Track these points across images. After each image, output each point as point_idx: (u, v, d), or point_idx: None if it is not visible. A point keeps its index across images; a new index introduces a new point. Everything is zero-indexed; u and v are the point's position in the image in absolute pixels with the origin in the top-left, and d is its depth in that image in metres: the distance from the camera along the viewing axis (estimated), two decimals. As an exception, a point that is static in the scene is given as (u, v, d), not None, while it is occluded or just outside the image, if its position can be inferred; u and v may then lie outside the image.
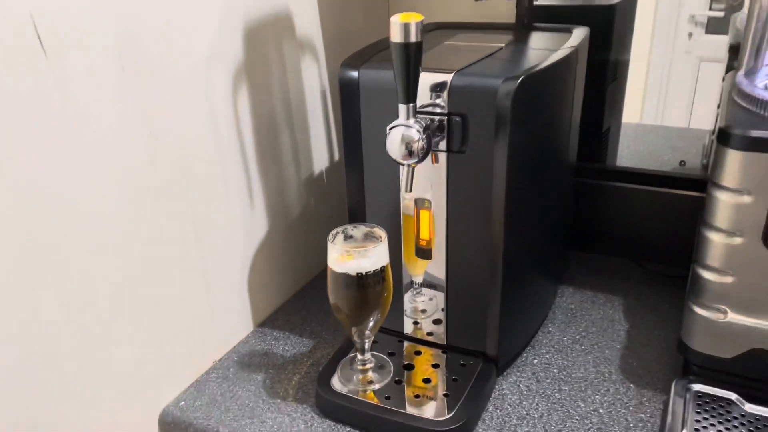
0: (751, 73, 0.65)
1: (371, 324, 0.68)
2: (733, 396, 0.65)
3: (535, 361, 0.76)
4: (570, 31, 0.80)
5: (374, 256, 0.64)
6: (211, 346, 0.77)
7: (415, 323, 0.78)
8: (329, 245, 0.65)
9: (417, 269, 0.75)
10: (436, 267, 0.72)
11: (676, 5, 0.99)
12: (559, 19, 0.90)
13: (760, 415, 0.63)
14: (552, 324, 0.82)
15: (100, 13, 0.56)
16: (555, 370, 0.74)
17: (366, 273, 0.64)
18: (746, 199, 0.59)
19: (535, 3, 0.94)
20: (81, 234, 0.58)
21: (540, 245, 0.78)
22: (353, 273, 0.64)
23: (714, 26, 0.96)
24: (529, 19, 0.93)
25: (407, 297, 0.77)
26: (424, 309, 0.77)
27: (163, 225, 0.67)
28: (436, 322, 0.76)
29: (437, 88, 0.64)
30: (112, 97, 0.59)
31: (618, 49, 1.02)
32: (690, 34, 0.99)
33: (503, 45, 0.74)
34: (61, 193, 0.56)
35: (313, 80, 0.87)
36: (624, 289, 0.89)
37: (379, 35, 1.01)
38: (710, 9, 0.96)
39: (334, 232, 0.67)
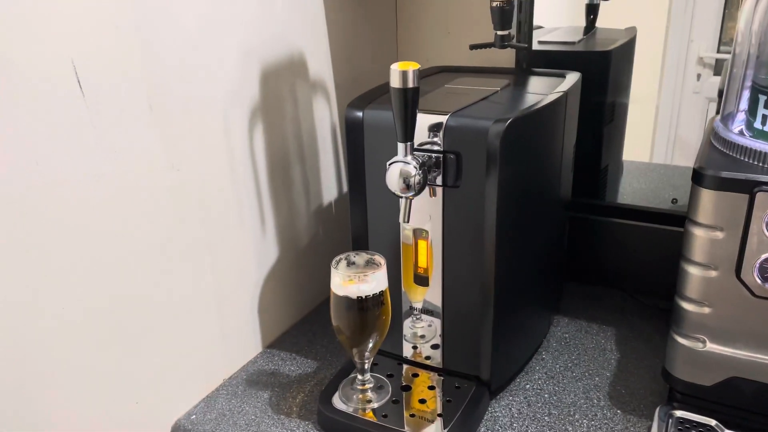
0: (728, 118, 0.70)
1: (371, 345, 0.72)
2: (712, 422, 0.68)
3: (528, 386, 0.79)
4: (563, 76, 0.86)
5: (374, 281, 0.69)
6: (222, 365, 0.82)
7: (414, 347, 0.82)
8: (332, 270, 0.71)
9: (416, 296, 0.80)
10: (434, 294, 0.77)
11: (684, 47, 1.05)
12: (557, 65, 0.95)
13: (739, 442, 0.66)
14: (546, 351, 0.86)
15: (131, 59, 0.63)
16: (546, 395, 0.77)
17: (366, 297, 0.69)
18: (719, 234, 0.63)
19: (534, 49, 1.01)
20: (105, 256, 0.64)
21: (532, 275, 0.82)
22: (354, 296, 0.69)
23: (722, 68, 1.00)
24: (527, 64, 0.99)
25: (407, 323, 0.81)
26: (423, 334, 0.82)
27: (181, 250, 0.73)
28: (434, 346, 0.80)
29: (434, 128, 0.70)
30: (139, 133, 0.65)
31: (614, 92, 1.07)
32: (698, 75, 1.04)
33: (498, 89, 0.80)
34: (89, 218, 0.62)
35: (324, 118, 0.94)
36: (617, 320, 0.92)
37: (387, 77, 1.08)
38: (718, 51, 1.01)
39: (337, 258, 0.72)
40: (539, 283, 0.85)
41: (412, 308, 0.80)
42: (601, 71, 1.05)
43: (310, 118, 0.91)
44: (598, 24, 1.10)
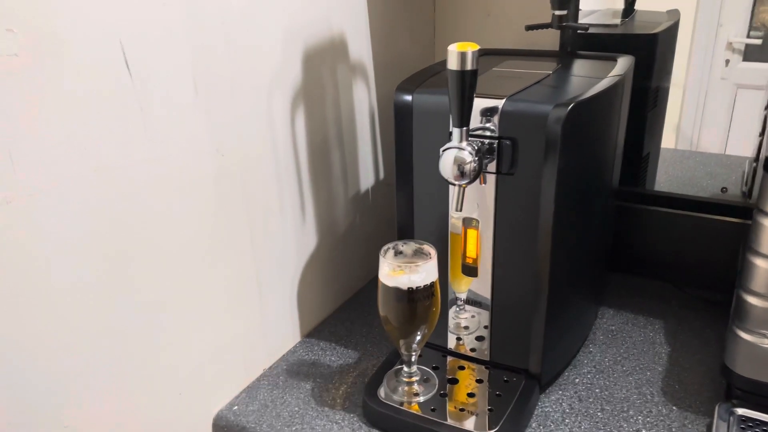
0: (796, 104, 0.67)
1: (419, 338, 0.70)
2: (777, 421, 0.66)
3: (577, 380, 0.77)
4: (614, 59, 0.82)
5: (424, 272, 0.67)
6: (262, 355, 0.81)
7: (458, 339, 0.80)
8: (381, 260, 0.68)
9: (461, 286, 0.77)
10: (481, 285, 0.75)
11: (713, 32, 1.01)
12: (601, 47, 0.92)
13: (805, 442, 0.64)
14: (593, 344, 0.83)
15: (178, 41, 0.61)
16: (597, 390, 0.75)
17: (416, 288, 0.67)
18: (793, 226, 0.60)
19: (579, 32, 0.97)
20: (149, 241, 0.62)
21: (583, 266, 0.80)
22: (404, 287, 0.67)
23: (751, 54, 0.97)
24: (572, 48, 0.96)
25: (451, 313, 0.79)
26: (466, 326, 0.79)
27: (223, 237, 0.71)
28: (479, 338, 0.78)
29: (488, 113, 0.67)
30: (186, 116, 0.63)
31: (659, 77, 1.04)
32: (727, 61, 1.01)
33: (550, 72, 0.77)
34: (134, 201, 0.60)
35: (363, 102, 0.91)
36: (664, 313, 0.90)
37: (425, 59, 1.05)
38: (748, 36, 0.97)
39: (385, 247, 0.70)
40: (589, 273, 0.83)
41: (456, 299, 0.78)
42: (648, 55, 1.01)
43: (350, 102, 0.89)
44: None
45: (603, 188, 0.79)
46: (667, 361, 0.80)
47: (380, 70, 0.94)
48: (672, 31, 1.05)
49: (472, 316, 0.78)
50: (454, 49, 0.60)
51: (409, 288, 0.67)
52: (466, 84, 0.60)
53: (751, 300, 0.65)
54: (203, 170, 0.66)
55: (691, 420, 0.70)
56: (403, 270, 0.67)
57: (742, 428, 0.66)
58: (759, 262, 0.63)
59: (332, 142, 0.86)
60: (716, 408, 0.68)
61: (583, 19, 1.08)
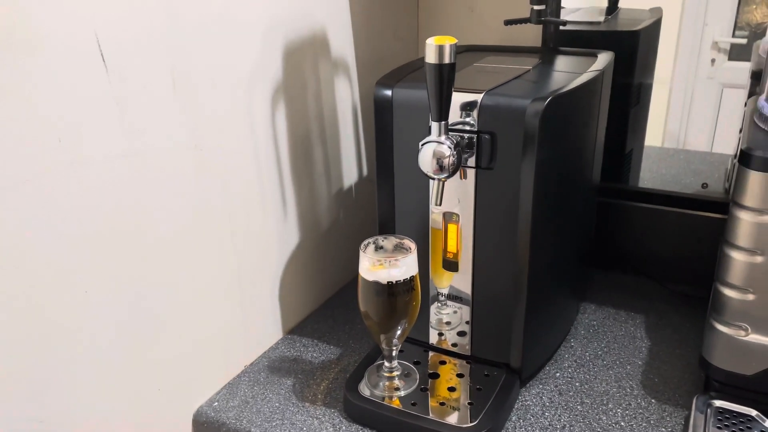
0: (772, 98, 0.68)
1: (399, 332, 0.70)
2: (753, 412, 0.66)
3: (558, 374, 0.77)
4: (595, 56, 0.83)
5: (404, 266, 0.67)
6: (243, 351, 0.80)
7: (440, 334, 0.80)
8: (361, 254, 0.68)
9: (443, 282, 0.77)
10: (462, 280, 0.75)
11: (699, 32, 1.02)
12: (584, 44, 0.92)
13: (781, 432, 0.64)
14: (574, 339, 0.84)
15: (155, 34, 0.60)
16: (577, 384, 0.75)
17: (396, 282, 0.67)
18: (767, 218, 0.60)
19: (561, 28, 0.98)
20: (127, 234, 0.62)
21: (563, 261, 0.80)
22: (384, 282, 0.67)
23: (737, 53, 0.98)
24: (554, 44, 0.96)
25: (432, 309, 0.79)
26: (448, 321, 0.79)
27: (203, 232, 0.70)
28: (461, 333, 0.78)
29: (467, 107, 0.67)
30: (163, 110, 0.63)
31: (641, 74, 1.04)
32: (713, 61, 1.02)
33: (530, 67, 0.77)
34: (112, 195, 0.59)
35: (345, 97, 0.91)
36: (645, 307, 0.90)
37: (408, 55, 1.05)
38: (733, 36, 0.98)
39: (365, 242, 0.70)
40: (570, 268, 0.83)
41: (438, 295, 0.78)
42: (630, 52, 1.02)
43: (332, 97, 0.88)
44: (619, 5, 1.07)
45: (583, 183, 0.80)
46: (647, 354, 0.80)
47: (363, 65, 0.94)
48: (654, 29, 1.06)
49: (454, 312, 0.78)
50: (432, 42, 0.60)
51: (388, 282, 0.67)
52: (444, 77, 0.60)
53: (728, 292, 0.65)
54: (182, 165, 0.66)
55: (669, 412, 0.70)
56: (382, 264, 0.67)
57: (719, 420, 0.66)
58: (735, 254, 0.64)
59: (314, 138, 0.86)
60: (694, 400, 0.69)
61: (567, 16, 1.09)
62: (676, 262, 0.95)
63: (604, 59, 0.80)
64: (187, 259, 0.69)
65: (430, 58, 0.60)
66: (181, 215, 0.67)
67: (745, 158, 0.61)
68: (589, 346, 0.82)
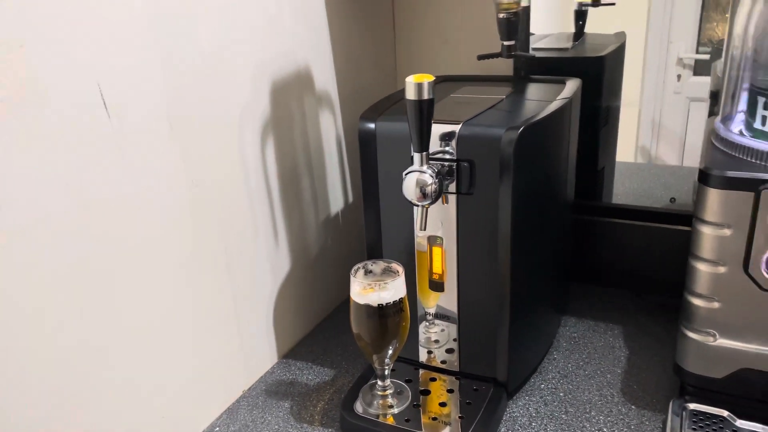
0: (727, 119, 0.73)
1: (390, 352, 0.74)
2: (725, 413, 0.71)
3: (543, 386, 0.81)
4: (563, 83, 0.88)
5: (393, 289, 0.71)
6: (241, 376, 0.83)
7: (429, 352, 0.83)
8: (352, 279, 0.72)
9: (430, 302, 0.81)
10: (448, 300, 0.79)
11: (664, 49, 1.08)
12: (553, 70, 0.98)
13: (750, 431, 0.69)
14: (557, 351, 0.88)
15: (153, 82, 0.64)
16: (561, 394, 0.79)
17: (386, 304, 0.70)
18: (726, 231, 0.65)
19: (531, 56, 1.03)
20: (129, 270, 0.65)
21: (543, 278, 0.84)
22: (374, 304, 0.70)
23: (701, 68, 1.04)
24: (525, 72, 1.02)
25: (421, 328, 0.83)
26: (437, 339, 0.83)
27: (202, 265, 0.74)
28: (449, 351, 0.82)
29: (447, 137, 0.72)
30: (161, 150, 0.66)
31: (608, 96, 1.10)
32: (679, 76, 1.07)
33: (503, 97, 0.82)
34: (116, 232, 0.63)
35: (330, 130, 0.96)
36: (623, 318, 0.95)
37: (387, 87, 1.10)
38: (697, 52, 1.04)
39: (356, 267, 0.74)
40: (550, 284, 0.87)
41: (426, 314, 0.82)
42: (596, 76, 1.07)
43: (317, 130, 0.93)
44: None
45: (558, 203, 0.85)
46: (626, 363, 0.85)
47: (345, 98, 0.98)
48: (618, 53, 1.12)
49: (442, 330, 0.82)
50: (411, 80, 0.64)
51: (379, 305, 0.70)
52: (424, 112, 0.65)
53: (695, 301, 0.70)
54: (180, 202, 0.70)
55: (648, 417, 0.74)
56: (372, 288, 0.71)
57: (694, 421, 0.70)
58: (700, 265, 0.69)
59: (302, 170, 0.90)
60: (670, 404, 0.73)
61: (536, 43, 1.15)
62: (650, 274, 1.00)
63: (572, 87, 0.85)
64: (186, 291, 0.72)
65: (410, 94, 0.64)
66: (180, 248, 0.70)
67: (703, 177, 0.66)
68: (571, 357, 0.86)
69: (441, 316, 0.81)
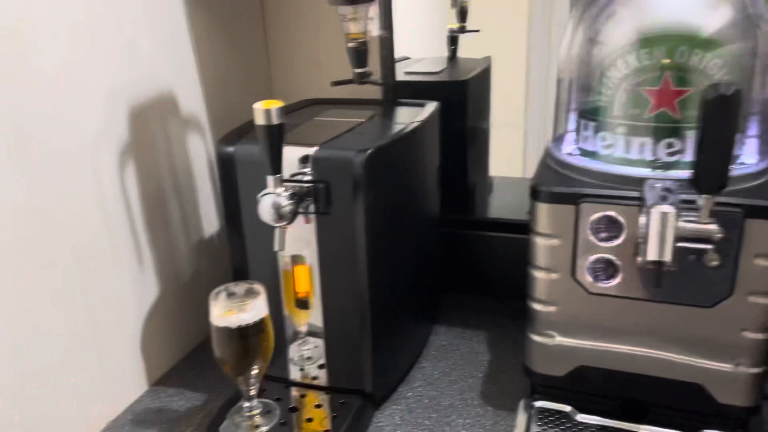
0: (560, 138, 0.80)
1: (255, 372, 0.75)
2: (568, 408, 0.77)
3: (409, 394, 0.85)
4: (423, 106, 0.94)
5: (253, 310, 0.72)
6: (105, 407, 0.81)
7: (302, 369, 0.85)
8: (211, 303, 0.72)
9: (300, 319, 0.83)
10: (316, 316, 0.81)
11: (545, 70, 1.16)
12: (421, 94, 1.03)
13: (590, 423, 0.75)
14: (426, 360, 0.92)
15: (-12, 106, 0.63)
16: (426, 401, 0.83)
17: (246, 325, 0.71)
18: (556, 241, 0.72)
19: (399, 80, 1.08)
20: (-30, 307, 0.62)
21: (408, 290, 0.88)
22: (234, 326, 0.71)
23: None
24: (393, 96, 1.07)
25: (293, 346, 0.85)
26: (310, 356, 0.85)
27: (52, 294, 0.72)
28: (321, 366, 0.84)
29: (304, 160, 0.74)
30: (0, 181, 0.64)
31: (474, 117, 1.17)
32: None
33: (364, 120, 0.86)
34: (-50, 270, 0.60)
35: (200, 153, 0.96)
36: (488, 324, 1.01)
37: (262, 110, 1.12)
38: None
39: (216, 290, 0.74)
40: (416, 296, 0.92)
41: (297, 332, 0.84)
42: (461, 98, 1.14)
43: (185, 153, 0.93)
44: (464, 54, 1.20)
45: (419, 218, 0.89)
46: (487, 367, 0.90)
47: (216, 120, 0.99)
48: (483, 77, 1.20)
49: (315, 347, 0.84)
50: (259, 107, 0.67)
51: (239, 326, 0.71)
52: (274, 137, 0.67)
53: (536, 306, 0.76)
54: (22, 231, 0.67)
55: (503, 417, 0.80)
56: (232, 310, 0.72)
57: (540, 418, 0.76)
58: (537, 273, 0.75)
59: (168, 194, 0.89)
60: (520, 403, 0.79)
61: (411, 67, 1.21)
62: (512, 281, 1.06)
63: (428, 110, 0.91)
64: (35, 321, 0.70)
65: (259, 120, 0.67)
66: (24, 278, 0.68)
67: (534, 193, 0.72)
68: (438, 364, 0.91)
69: (312, 333, 0.83)
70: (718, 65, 0.65)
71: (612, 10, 0.72)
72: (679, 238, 0.61)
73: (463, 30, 1.21)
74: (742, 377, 0.69)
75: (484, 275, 1.10)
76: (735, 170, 0.68)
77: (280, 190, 0.70)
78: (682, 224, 0.60)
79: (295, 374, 0.85)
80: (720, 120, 0.56)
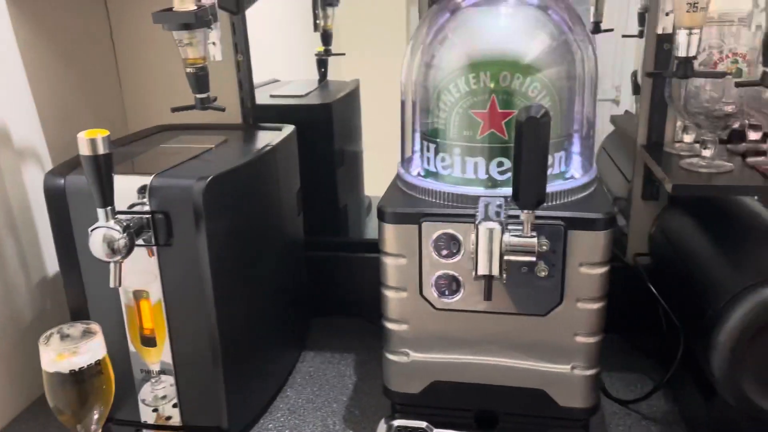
0: (408, 160, 0.82)
1: (96, 417, 0.70)
2: (424, 425, 0.78)
3: (270, 425, 0.83)
4: (280, 129, 0.93)
5: (89, 352, 0.68)
6: None
7: (155, 410, 0.81)
8: (41, 348, 0.67)
9: (150, 357, 0.79)
10: (165, 353, 0.77)
11: None
12: (282, 119, 1.02)
13: (445, 437, 0.77)
14: (291, 388, 0.90)
15: None
16: (287, 431, 0.81)
17: (80, 369, 0.67)
18: (403, 261, 0.73)
19: (259, 103, 1.07)
20: None
21: (268, 318, 0.87)
22: (66, 371, 0.66)
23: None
24: (253, 120, 1.06)
25: (147, 386, 0.80)
26: (164, 395, 0.81)
27: None
28: (176, 405, 0.80)
29: (141, 190, 0.71)
30: None
31: (342, 139, 1.18)
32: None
33: (213, 146, 0.84)
34: None
35: (38, 185, 0.89)
36: (357, 347, 1.01)
37: (117, 137, 1.07)
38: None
39: (47, 333, 0.69)
40: (278, 323, 0.90)
41: (149, 371, 0.79)
42: (326, 121, 1.15)
43: (22, 188, 0.86)
44: (348, 77, 1.21)
45: (278, 245, 0.88)
46: (352, 390, 0.90)
47: (58, 151, 0.93)
48: (350, 98, 1.22)
49: (171, 385, 0.80)
50: (83, 136, 0.63)
51: (71, 371, 0.66)
52: (101, 167, 0.64)
53: (390, 325, 0.77)
54: None
55: (363, 439, 0.79)
56: (63, 354, 0.67)
57: (398, 437, 0.77)
58: (388, 293, 0.76)
59: (3, 231, 0.83)
60: (380, 423, 0.79)
61: (278, 90, 1.20)
62: (378, 301, 1.07)
63: (282, 134, 0.90)
64: None
65: (84, 150, 0.63)
66: None
67: (380, 214, 0.73)
68: (303, 392, 0.89)
69: (163, 371, 0.79)
70: (538, 88, 0.70)
71: (444, 36, 0.75)
72: (508, 251, 0.64)
73: (328, 53, 1.23)
74: (579, 380, 0.73)
75: (354, 296, 1.10)
76: (564, 185, 0.72)
77: (111, 222, 0.66)
78: (507, 238, 0.63)
79: (147, 416, 0.80)
80: (532, 140, 0.60)
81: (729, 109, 0.80)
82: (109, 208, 0.66)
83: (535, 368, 0.73)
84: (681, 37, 0.71)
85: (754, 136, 0.89)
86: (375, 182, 1.24)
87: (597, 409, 0.75)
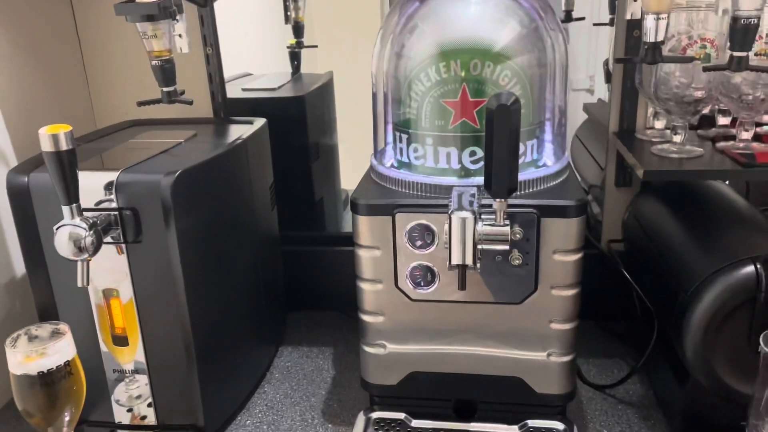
0: (381, 152, 0.82)
1: (67, 419, 0.68)
2: (402, 415, 0.78)
3: (248, 421, 0.82)
4: (251, 123, 0.92)
5: (57, 353, 0.66)
6: None
7: (129, 410, 0.79)
8: (8, 350, 0.65)
9: (123, 357, 0.77)
10: (139, 352, 0.76)
11: None
12: (255, 112, 1.00)
13: (423, 428, 0.77)
14: (268, 384, 0.90)
15: None
16: (265, 427, 0.81)
17: (49, 370, 0.65)
18: (377, 252, 0.73)
19: (230, 97, 1.06)
20: None
21: (240, 315, 0.85)
22: (34, 373, 0.65)
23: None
24: (225, 113, 1.04)
25: (121, 386, 0.79)
26: (139, 395, 0.79)
27: None
28: (151, 405, 0.79)
29: (108, 186, 0.70)
30: None
31: (316, 132, 1.17)
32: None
33: (182, 141, 0.82)
34: None
35: (2, 184, 0.87)
36: (335, 340, 1.00)
37: (83, 132, 1.04)
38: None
39: (14, 335, 0.67)
40: (252, 319, 0.89)
41: (122, 371, 0.78)
42: (298, 114, 1.14)
43: (-16, 186, 0.84)
44: (320, 69, 1.19)
45: (247, 240, 0.87)
46: (331, 384, 0.89)
47: (22, 149, 0.90)
48: (324, 91, 1.20)
49: (146, 384, 0.79)
50: (44, 132, 0.61)
51: (40, 373, 0.65)
52: (65, 163, 0.62)
53: (366, 318, 0.76)
54: None
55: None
56: (31, 356, 0.65)
57: (376, 428, 0.76)
58: (364, 285, 0.75)
59: (-35, 231, 0.80)
60: (359, 416, 0.79)
61: (250, 83, 1.18)
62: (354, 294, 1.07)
63: (254, 127, 0.89)
64: None
65: (46, 147, 0.61)
66: None
67: (353, 206, 0.73)
68: (280, 387, 0.89)
69: (137, 370, 0.77)
70: (508, 76, 0.69)
71: (414, 25, 0.75)
72: (482, 240, 0.64)
73: (300, 45, 1.21)
74: (555, 366, 0.73)
75: (332, 290, 1.09)
76: (537, 173, 0.72)
77: (77, 220, 0.65)
78: (480, 228, 0.63)
79: (122, 416, 0.79)
80: (502, 128, 0.59)
81: (698, 94, 0.81)
82: (74, 205, 0.65)
83: (511, 356, 0.73)
84: (649, 22, 0.71)
85: (723, 121, 0.90)
86: (352, 176, 1.23)
87: (574, 395, 0.76)
